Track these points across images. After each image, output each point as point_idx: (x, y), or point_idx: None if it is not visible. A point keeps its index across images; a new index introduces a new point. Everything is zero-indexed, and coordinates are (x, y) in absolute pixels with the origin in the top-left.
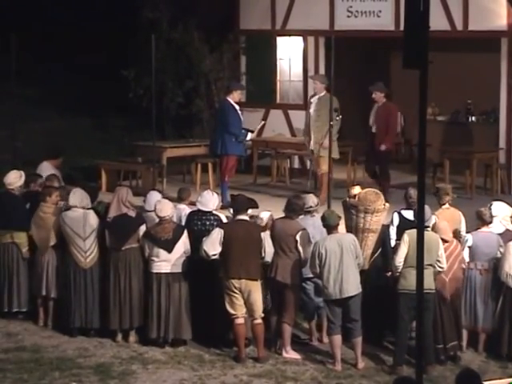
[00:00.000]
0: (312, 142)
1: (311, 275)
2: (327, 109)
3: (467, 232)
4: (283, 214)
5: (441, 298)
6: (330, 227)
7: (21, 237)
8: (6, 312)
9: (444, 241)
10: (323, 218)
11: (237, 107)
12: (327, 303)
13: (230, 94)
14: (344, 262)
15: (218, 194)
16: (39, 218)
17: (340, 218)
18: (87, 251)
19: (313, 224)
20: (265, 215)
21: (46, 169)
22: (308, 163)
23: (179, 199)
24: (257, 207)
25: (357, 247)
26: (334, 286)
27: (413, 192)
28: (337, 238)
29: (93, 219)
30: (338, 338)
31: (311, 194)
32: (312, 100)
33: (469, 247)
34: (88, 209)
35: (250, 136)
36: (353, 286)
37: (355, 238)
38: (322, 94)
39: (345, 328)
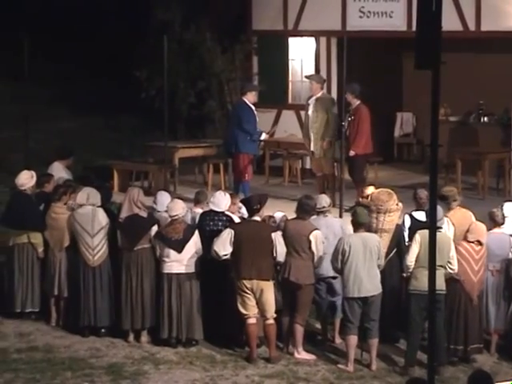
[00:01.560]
0: (312, 144)
1: (324, 275)
2: (325, 109)
3: None
4: (295, 215)
5: (469, 300)
6: (358, 224)
7: (37, 237)
8: (19, 312)
9: (479, 243)
10: (354, 214)
11: (252, 107)
12: (348, 301)
13: (244, 95)
14: (366, 261)
15: (230, 194)
16: (51, 218)
17: (370, 218)
18: (95, 249)
19: (325, 224)
20: (278, 216)
21: (57, 169)
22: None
23: (196, 202)
24: (258, 211)
25: (380, 249)
26: (353, 283)
27: (421, 192)
28: (362, 236)
29: (102, 216)
30: (353, 339)
31: (323, 195)
32: (309, 101)
33: None
34: (98, 207)
35: (264, 136)
36: (373, 286)
37: (380, 240)
38: (319, 94)
39: (361, 328)
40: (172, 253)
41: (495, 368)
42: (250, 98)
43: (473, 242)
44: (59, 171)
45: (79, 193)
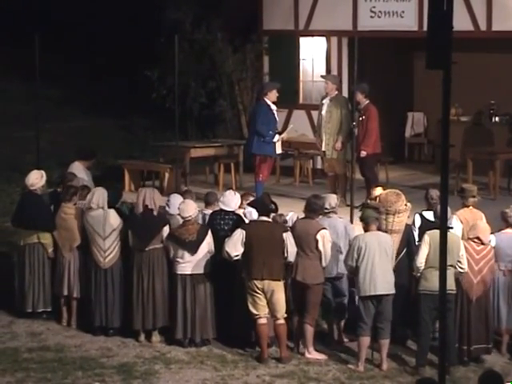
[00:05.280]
0: (323, 144)
1: (329, 275)
2: (339, 110)
3: (490, 233)
4: (303, 214)
5: (467, 298)
6: (367, 222)
7: (46, 237)
8: (30, 312)
9: (480, 242)
10: (362, 214)
11: (273, 107)
12: (362, 300)
13: (265, 95)
14: (381, 259)
15: (242, 194)
16: (61, 218)
17: (377, 216)
18: (106, 251)
19: (329, 224)
20: (290, 215)
21: (77, 169)
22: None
23: (206, 204)
24: (275, 211)
25: (393, 249)
26: (369, 282)
27: (433, 193)
28: (376, 235)
29: (113, 219)
30: (366, 340)
31: (333, 195)
32: (324, 101)
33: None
34: (109, 208)
35: (276, 138)
36: (388, 285)
37: (392, 240)
38: (334, 94)
39: (372, 328)
40: (186, 254)
41: (506, 368)
42: (271, 97)
43: (473, 241)
44: (79, 171)
45: (90, 194)
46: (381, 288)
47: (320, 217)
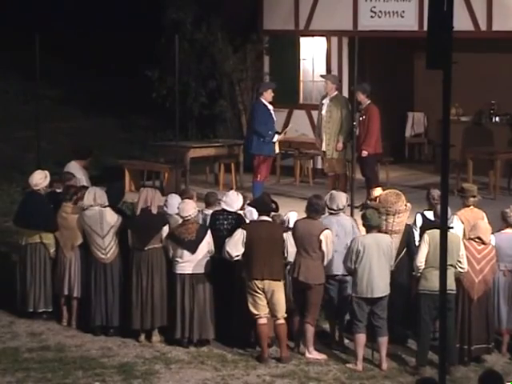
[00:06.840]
0: (324, 144)
1: (334, 273)
2: (339, 110)
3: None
4: (305, 215)
5: (468, 298)
6: (370, 227)
7: (49, 237)
8: (31, 312)
9: (481, 242)
10: (365, 218)
11: (270, 107)
12: (357, 300)
13: (261, 95)
14: (380, 261)
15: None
16: (61, 218)
17: (381, 219)
18: (106, 248)
19: (337, 222)
20: (292, 215)
21: (74, 168)
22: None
23: (207, 204)
24: (277, 211)
25: (392, 249)
26: (366, 284)
27: (435, 193)
28: (375, 237)
29: (110, 216)
30: (362, 337)
31: (342, 194)
32: (324, 101)
33: None
34: (105, 206)
35: (276, 137)
36: (384, 287)
37: (392, 241)
38: (333, 94)
39: (371, 327)
40: (185, 253)
41: (507, 368)
42: (266, 97)
43: (474, 241)
44: (76, 171)
45: (86, 194)
46: (377, 291)
47: (326, 214)
